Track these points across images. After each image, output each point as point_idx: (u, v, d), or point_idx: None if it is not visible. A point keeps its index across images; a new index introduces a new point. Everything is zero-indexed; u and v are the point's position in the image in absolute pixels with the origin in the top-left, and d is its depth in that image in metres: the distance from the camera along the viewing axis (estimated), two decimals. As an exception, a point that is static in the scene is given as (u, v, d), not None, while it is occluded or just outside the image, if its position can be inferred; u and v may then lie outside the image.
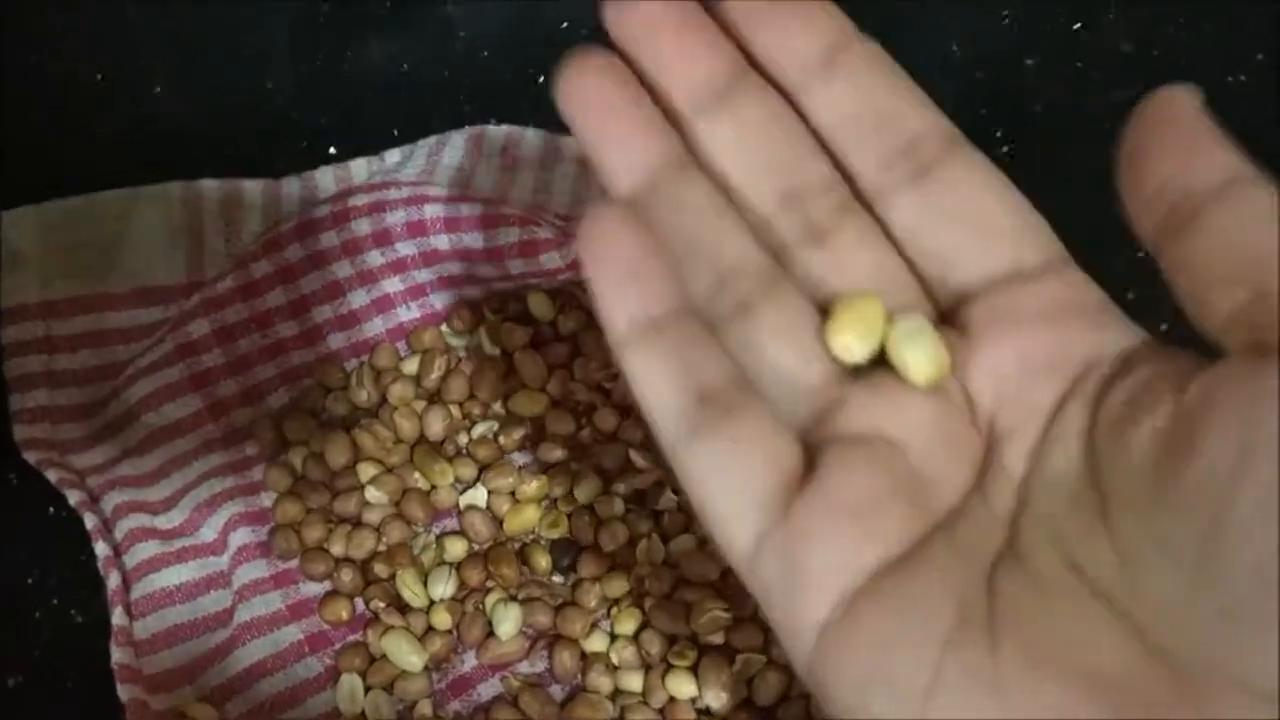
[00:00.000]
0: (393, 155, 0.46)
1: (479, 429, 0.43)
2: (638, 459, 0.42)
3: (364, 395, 0.43)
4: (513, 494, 0.42)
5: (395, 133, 0.46)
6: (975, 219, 0.23)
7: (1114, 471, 0.20)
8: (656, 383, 0.21)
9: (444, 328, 0.45)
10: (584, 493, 0.42)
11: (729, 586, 0.40)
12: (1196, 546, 0.18)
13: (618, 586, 0.41)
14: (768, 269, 0.23)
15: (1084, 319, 0.22)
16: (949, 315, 0.23)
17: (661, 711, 0.39)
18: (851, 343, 0.23)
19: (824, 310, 0.23)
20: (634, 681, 0.40)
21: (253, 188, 0.45)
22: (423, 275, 0.44)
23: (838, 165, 0.24)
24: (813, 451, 0.22)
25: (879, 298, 0.23)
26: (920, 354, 0.22)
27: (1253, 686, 0.18)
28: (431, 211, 0.43)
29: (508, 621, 0.40)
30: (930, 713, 0.19)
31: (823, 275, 0.24)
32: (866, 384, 0.23)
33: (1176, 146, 0.20)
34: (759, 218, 0.24)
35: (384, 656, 0.40)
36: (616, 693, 0.40)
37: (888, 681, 0.20)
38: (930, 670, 0.20)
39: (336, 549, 0.41)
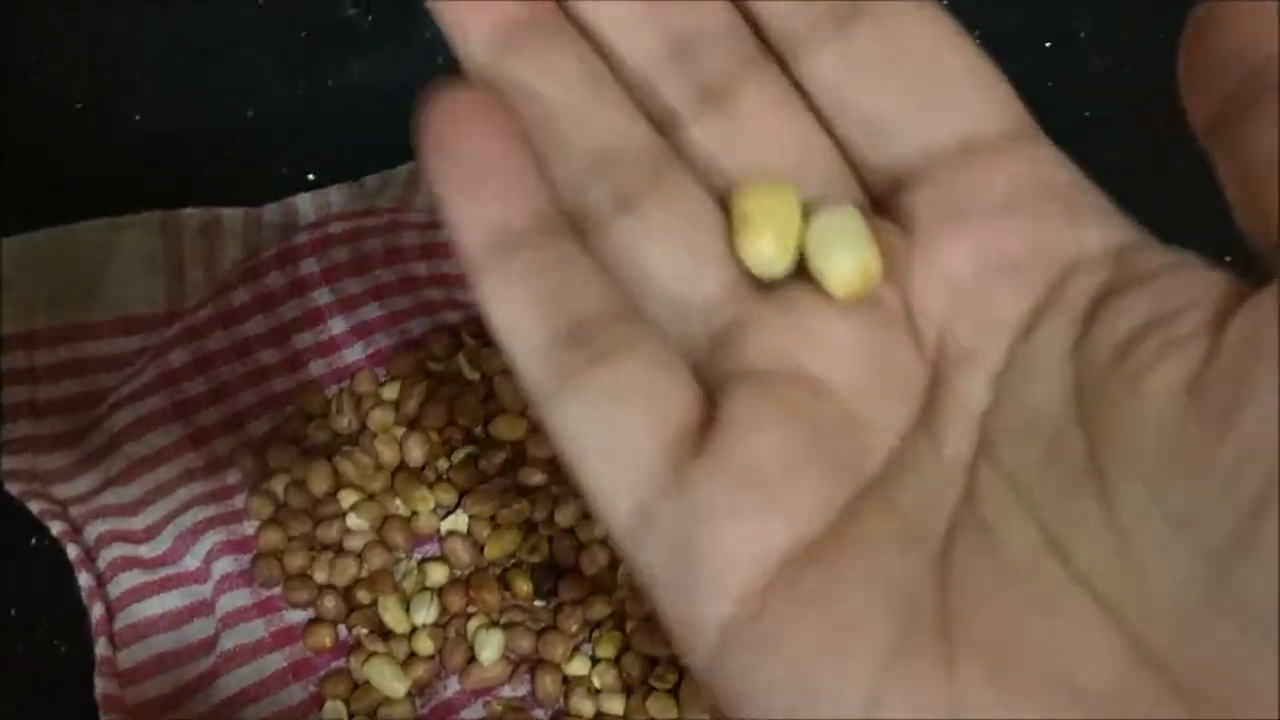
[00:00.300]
0: (371, 182, 0.46)
1: (459, 454, 0.43)
2: (618, 482, 0.42)
3: (344, 422, 0.43)
4: (493, 519, 0.43)
5: (375, 157, 0.46)
6: (916, 74, 0.18)
7: (1117, 419, 0.15)
8: (517, 316, 0.17)
9: (423, 353, 0.45)
10: (565, 516, 0.42)
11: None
12: (1229, 534, 0.14)
13: (599, 610, 0.41)
14: (656, 152, 0.19)
15: (1059, 205, 0.17)
16: (884, 202, 0.19)
17: (643, 734, 0.40)
18: (771, 251, 0.18)
19: (722, 201, 0.19)
20: (616, 704, 0.40)
21: (232, 215, 0.45)
22: (402, 301, 0.44)
23: (743, 15, 0.19)
24: (714, 389, 0.17)
25: (792, 184, 0.18)
26: (843, 258, 0.17)
27: (1275, 711, 0.14)
28: (410, 238, 0.43)
29: (490, 646, 0.40)
30: None
31: (720, 151, 0.19)
32: (777, 299, 0.18)
33: (1265, 11, 0.16)
34: (641, 78, 0.19)
35: (367, 683, 0.40)
36: (599, 716, 0.40)
37: (812, 703, 0.16)
38: (866, 691, 0.15)
39: (319, 576, 0.41)
